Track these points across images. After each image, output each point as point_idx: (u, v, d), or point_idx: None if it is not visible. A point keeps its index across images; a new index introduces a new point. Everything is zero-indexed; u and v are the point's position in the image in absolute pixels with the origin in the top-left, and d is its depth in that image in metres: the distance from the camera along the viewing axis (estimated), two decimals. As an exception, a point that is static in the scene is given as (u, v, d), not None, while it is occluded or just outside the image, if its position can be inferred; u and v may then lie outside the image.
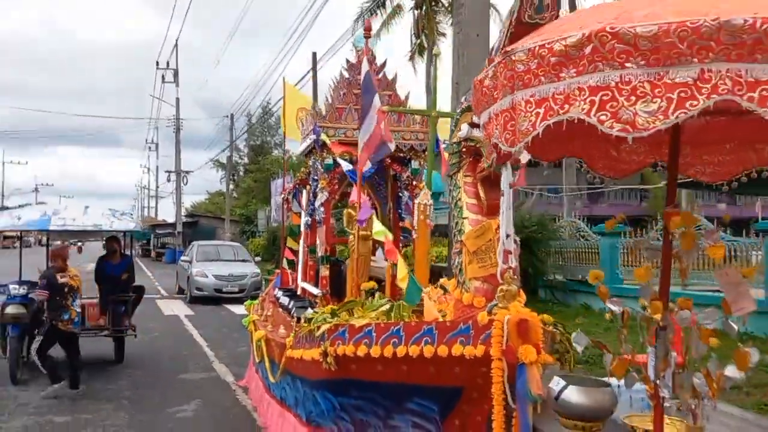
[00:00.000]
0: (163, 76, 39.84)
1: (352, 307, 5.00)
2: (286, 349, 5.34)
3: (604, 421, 3.42)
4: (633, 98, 1.94)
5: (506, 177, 4.02)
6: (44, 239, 11.13)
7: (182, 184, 38.75)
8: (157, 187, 65.86)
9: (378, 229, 5.35)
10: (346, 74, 7.06)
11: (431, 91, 8.47)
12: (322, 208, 6.82)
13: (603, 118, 1.98)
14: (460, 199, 4.36)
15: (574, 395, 3.31)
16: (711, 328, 2.74)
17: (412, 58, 26.16)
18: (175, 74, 39.21)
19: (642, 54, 1.94)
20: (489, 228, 4.13)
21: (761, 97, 1.85)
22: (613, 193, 26.44)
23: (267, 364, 6.25)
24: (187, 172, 40.56)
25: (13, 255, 11.35)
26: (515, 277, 4.00)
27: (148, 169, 69.98)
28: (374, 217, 5.75)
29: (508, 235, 3.96)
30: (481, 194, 4.28)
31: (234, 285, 18.10)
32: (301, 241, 7.85)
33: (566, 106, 2.06)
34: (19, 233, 10.74)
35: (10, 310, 8.25)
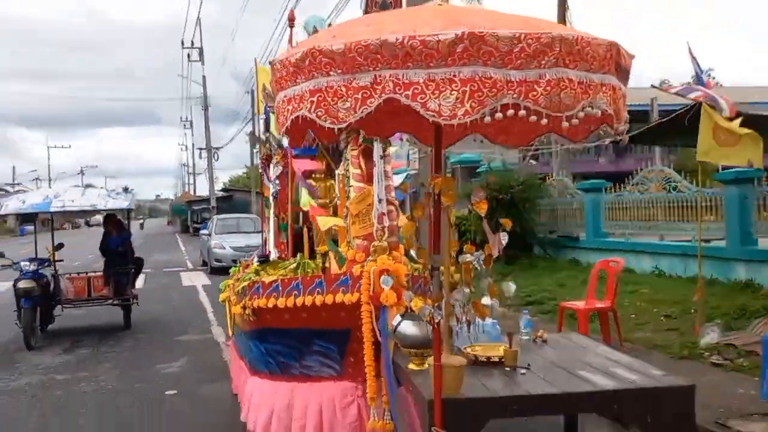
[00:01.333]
0: (188, 55, 40.94)
1: (273, 267, 5.76)
2: (232, 306, 6.15)
3: (429, 348, 4.14)
4: (336, 98, 2.61)
5: (377, 149, 4.71)
6: (92, 220, 12.21)
7: (214, 160, 39.97)
8: (194, 163, 67.70)
9: (303, 199, 6.09)
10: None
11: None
12: (277, 181, 7.56)
13: (319, 113, 2.65)
14: (347, 170, 5.04)
15: (406, 328, 4.00)
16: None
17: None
18: (200, 53, 40.23)
19: (339, 65, 2.61)
20: (369, 194, 4.81)
21: (413, 94, 2.50)
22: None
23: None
24: (218, 149, 41.75)
25: (67, 235, 12.35)
26: (390, 234, 4.73)
27: (186, 146, 71.83)
28: (301, 187, 6.46)
29: (380, 200, 4.67)
30: (362, 164, 4.95)
31: (250, 255, 19.02)
32: (271, 212, 8.63)
33: (300, 105, 2.73)
34: (50, 216, 11.79)
35: (22, 284, 9.27)
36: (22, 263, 9.63)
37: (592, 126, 3.20)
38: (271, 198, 8.68)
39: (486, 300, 3.41)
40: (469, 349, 4.18)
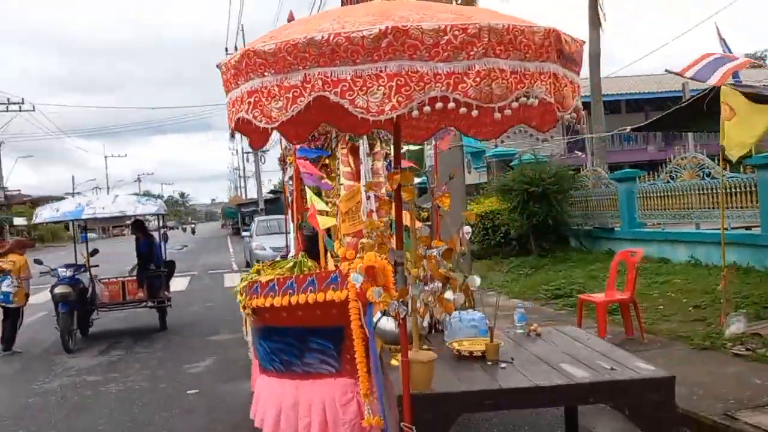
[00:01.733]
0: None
1: (272, 267, 5.83)
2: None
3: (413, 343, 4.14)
4: (269, 98, 2.65)
5: (363, 147, 4.73)
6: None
7: (261, 163, 40.65)
8: (243, 167, 68.77)
9: (308, 196, 6.14)
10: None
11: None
12: (290, 181, 7.64)
13: (255, 114, 2.69)
14: (338, 168, 5.08)
15: (385, 324, 4.01)
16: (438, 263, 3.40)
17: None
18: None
19: (271, 66, 2.64)
20: (358, 191, 4.84)
21: (342, 91, 2.52)
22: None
23: (246, 321, 7.21)
24: (265, 151, 42.37)
25: (123, 242, 12.83)
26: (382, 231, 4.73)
27: (236, 150, 73.15)
28: (308, 188, 6.51)
29: (368, 197, 4.69)
30: (351, 163, 4.98)
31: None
32: (289, 212, 8.73)
33: (240, 107, 2.78)
34: (84, 223, 12.25)
35: (59, 290, 9.61)
36: (60, 269, 9.98)
37: (550, 116, 3.15)
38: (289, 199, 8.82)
39: (449, 294, 3.39)
40: (455, 344, 4.17)
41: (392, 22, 2.48)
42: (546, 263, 13.15)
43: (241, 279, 8.49)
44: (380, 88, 2.48)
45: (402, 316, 3.32)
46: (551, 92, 2.65)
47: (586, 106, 20.11)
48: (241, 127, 3.03)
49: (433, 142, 7.04)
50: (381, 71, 2.48)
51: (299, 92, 2.57)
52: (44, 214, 10.04)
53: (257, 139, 3.39)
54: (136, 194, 10.06)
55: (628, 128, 11.22)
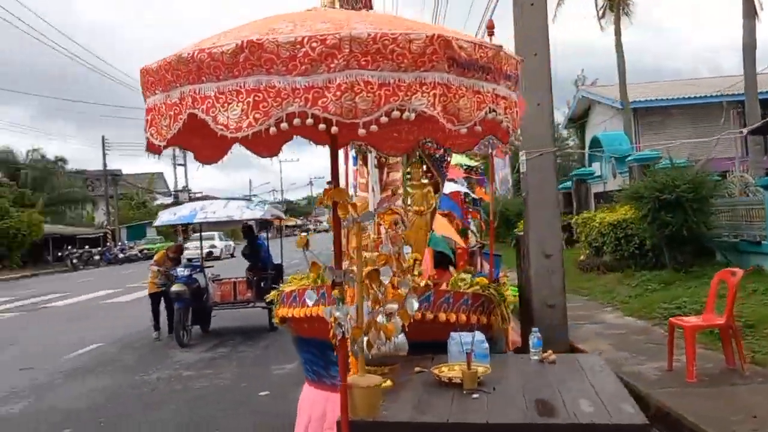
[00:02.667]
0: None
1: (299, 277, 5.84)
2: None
3: (393, 365, 3.92)
4: (159, 116, 2.64)
5: (371, 158, 4.62)
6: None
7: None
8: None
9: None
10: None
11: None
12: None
13: (152, 132, 2.69)
14: (355, 179, 4.99)
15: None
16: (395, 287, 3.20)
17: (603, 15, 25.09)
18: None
19: (159, 84, 2.63)
20: (368, 203, 4.72)
21: (207, 108, 2.45)
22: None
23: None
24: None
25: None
26: (392, 245, 4.59)
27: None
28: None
29: (375, 210, 4.56)
30: (366, 174, 4.86)
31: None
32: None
33: (145, 124, 2.80)
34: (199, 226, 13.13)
35: (175, 288, 10.34)
36: (178, 269, 10.73)
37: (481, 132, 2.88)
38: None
39: (380, 318, 3.19)
40: (439, 369, 3.93)
41: (247, 36, 2.38)
42: (679, 278, 12.03)
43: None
44: (239, 104, 2.39)
45: (339, 337, 3.18)
46: (436, 104, 2.41)
47: (741, 103, 18.29)
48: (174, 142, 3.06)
49: (490, 151, 6.72)
50: (240, 87, 2.39)
51: (178, 110, 2.55)
52: (163, 218, 10.85)
53: (205, 155, 3.39)
54: (247, 199, 10.60)
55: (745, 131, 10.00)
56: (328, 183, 3.14)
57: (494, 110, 2.63)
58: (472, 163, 9.49)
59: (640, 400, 6.20)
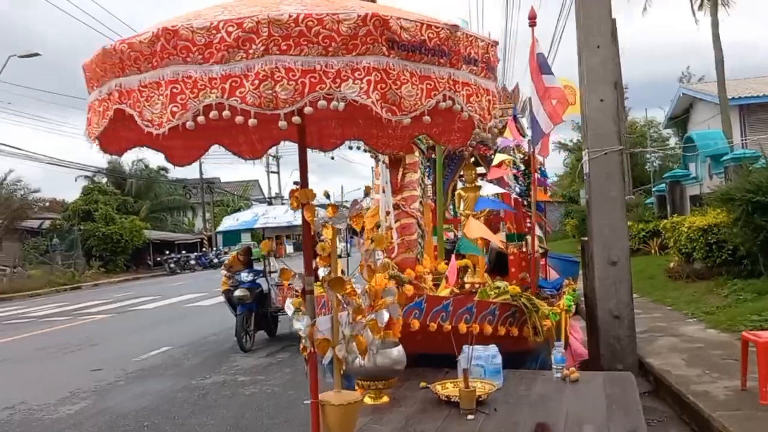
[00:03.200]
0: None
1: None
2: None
3: (389, 380, 3.62)
4: (94, 114, 2.50)
5: (381, 158, 4.37)
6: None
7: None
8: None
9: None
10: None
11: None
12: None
13: (90, 129, 2.56)
14: (372, 181, 4.73)
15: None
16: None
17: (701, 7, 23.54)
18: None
19: (91, 79, 2.49)
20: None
21: (133, 103, 2.28)
22: None
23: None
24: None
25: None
26: (407, 250, 4.33)
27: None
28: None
29: (388, 212, 4.31)
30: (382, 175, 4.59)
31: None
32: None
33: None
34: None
35: (238, 293, 10.41)
36: (242, 274, 10.80)
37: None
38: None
39: (348, 330, 2.93)
40: (443, 385, 3.62)
41: (168, 23, 2.19)
42: (772, 288, 11.05)
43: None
44: (160, 97, 2.21)
45: (308, 351, 2.95)
46: (371, 92, 2.14)
47: None
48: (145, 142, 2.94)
49: (532, 149, 6.29)
50: (160, 78, 2.21)
51: (106, 105, 2.41)
52: (226, 223, 10.96)
53: (179, 157, 3.25)
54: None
55: None
56: (296, 183, 2.92)
57: (451, 98, 2.33)
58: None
59: (702, 422, 5.63)
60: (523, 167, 8.10)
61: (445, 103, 2.31)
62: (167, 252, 39.56)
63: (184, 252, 40.60)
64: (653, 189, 25.23)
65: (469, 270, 7.46)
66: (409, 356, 4.26)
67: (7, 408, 7.79)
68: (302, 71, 2.11)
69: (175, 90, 2.18)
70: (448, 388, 3.57)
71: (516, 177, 7.65)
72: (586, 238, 8.26)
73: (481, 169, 7.72)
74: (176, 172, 51.71)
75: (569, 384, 3.76)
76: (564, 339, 6.76)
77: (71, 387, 8.68)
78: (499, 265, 7.46)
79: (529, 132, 7.84)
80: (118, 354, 11.04)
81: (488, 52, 2.53)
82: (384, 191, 4.28)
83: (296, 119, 2.30)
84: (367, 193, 3.36)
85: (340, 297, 2.85)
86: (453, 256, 5.27)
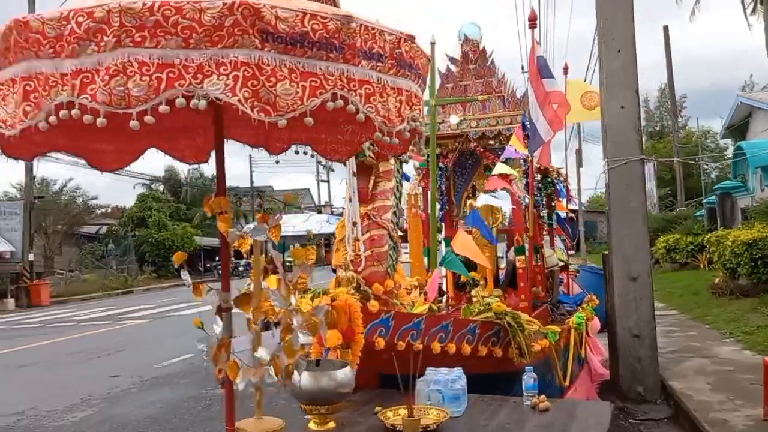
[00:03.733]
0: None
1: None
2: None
3: (335, 404, 3.34)
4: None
5: (350, 165, 4.14)
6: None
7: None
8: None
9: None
10: (452, 68, 7.25)
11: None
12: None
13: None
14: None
15: (302, 377, 3.34)
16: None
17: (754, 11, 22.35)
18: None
19: None
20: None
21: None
22: None
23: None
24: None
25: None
26: (377, 263, 4.09)
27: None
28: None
29: (354, 223, 4.07)
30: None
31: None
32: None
33: None
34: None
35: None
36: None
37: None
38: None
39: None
40: (395, 411, 3.34)
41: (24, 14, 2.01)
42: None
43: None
44: (14, 95, 2.03)
45: (222, 374, 2.73)
46: (239, 89, 1.91)
47: None
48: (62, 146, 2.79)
49: (529, 158, 5.95)
50: (16, 75, 2.03)
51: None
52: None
53: (108, 162, 3.07)
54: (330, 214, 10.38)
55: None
56: (207, 192, 2.71)
57: (344, 97, 2.08)
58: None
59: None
60: (539, 177, 7.74)
61: (335, 103, 2.06)
62: (216, 258, 40.09)
63: (232, 259, 41.12)
64: (704, 201, 24.20)
65: (481, 284, 7.15)
66: (375, 377, 4.01)
67: (16, 413, 7.82)
68: (158, 65, 1.89)
69: (28, 87, 2.00)
70: (400, 415, 3.29)
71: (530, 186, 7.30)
72: (608, 252, 7.83)
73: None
74: (229, 180, 52.39)
75: (537, 414, 3.43)
76: (572, 358, 6.39)
77: (84, 393, 8.68)
78: (516, 279, 7.12)
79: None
80: (141, 360, 11.07)
81: (400, 46, 2.27)
82: (351, 200, 4.03)
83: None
84: (286, 203, 3.14)
85: (248, 316, 2.62)
86: (435, 270, 4.98)
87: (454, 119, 6.80)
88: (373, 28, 2.16)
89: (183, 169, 47.09)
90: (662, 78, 33.53)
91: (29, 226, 26.36)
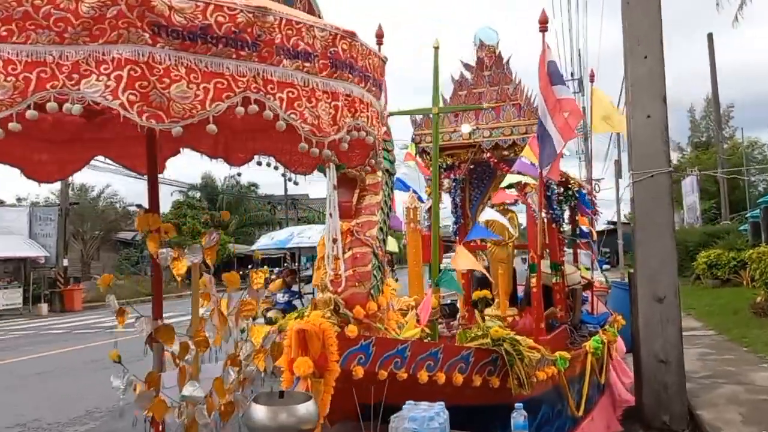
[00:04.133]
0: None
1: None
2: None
3: None
4: None
5: (330, 177, 3.83)
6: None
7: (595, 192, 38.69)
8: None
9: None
10: (467, 75, 6.92)
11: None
12: (426, 215, 6.76)
13: None
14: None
15: (256, 411, 3.02)
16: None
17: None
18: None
19: None
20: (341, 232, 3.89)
21: None
22: None
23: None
24: (599, 180, 40.49)
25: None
26: (359, 284, 3.78)
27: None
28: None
29: (335, 240, 3.76)
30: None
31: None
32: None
33: None
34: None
35: (270, 314, 10.05)
36: (278, 295, 10.44)
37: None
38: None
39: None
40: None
41: None
42: None
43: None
44: None
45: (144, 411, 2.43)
46: (122, 92, 1.62)
47: None
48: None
49: (540, 171, 5.55)
50: None
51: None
52: (261, 242, 10.65)
53: (43, 172, 2.81)
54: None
55: None
56: (139, 206, 2.43)
57: (259, 102, 1.77)
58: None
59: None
60: (561, 190, 7.33)
61: (247, 108, 1.75)
62: (249, 266, 40.20)
63: (266, 266, 41.11)
64: (748, 215, 23.23)
65: (497, 301, 6.76)
66: (353, 409, 3.68)
67: (18, 425, 7.68)
68: (27, 64, 1.61)
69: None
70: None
71: (550, 200, 6.89)
72: (633, 271, 7.37)
73: (511, 191, 6.98)
74: (264, 188, 52.66)
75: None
76: (587, 384, 5.95)
77: (91, 406, 8.51)
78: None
79: (566, 152, 7.09)
80: (152, 372, 10.88)
81: (335, 44, 1.95)
82: (331, 215, 3.71)
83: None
84: (221, 219, 2.83)
85: (170, 349, 2.33)
86: (429, 290, 4.63)
87: (466, 128, 6.44)
88: (299, 23, 1.85)
89: (220, 176, 47.46)
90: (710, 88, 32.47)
91: (64, 232, 26.68)
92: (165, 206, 44.02)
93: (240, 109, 1.73)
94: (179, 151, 3.11)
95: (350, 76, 2.01)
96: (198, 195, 45.62)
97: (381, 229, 3.91)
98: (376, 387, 3.61)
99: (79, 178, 34.62)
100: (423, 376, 3.77)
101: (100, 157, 2.95)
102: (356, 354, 3.55)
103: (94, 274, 35.59)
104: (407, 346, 3.72)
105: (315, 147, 1.88)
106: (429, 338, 4.56)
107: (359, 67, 2.05)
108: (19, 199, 38.85)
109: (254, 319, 3.03)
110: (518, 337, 4.33)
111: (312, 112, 1.87)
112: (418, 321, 4.25)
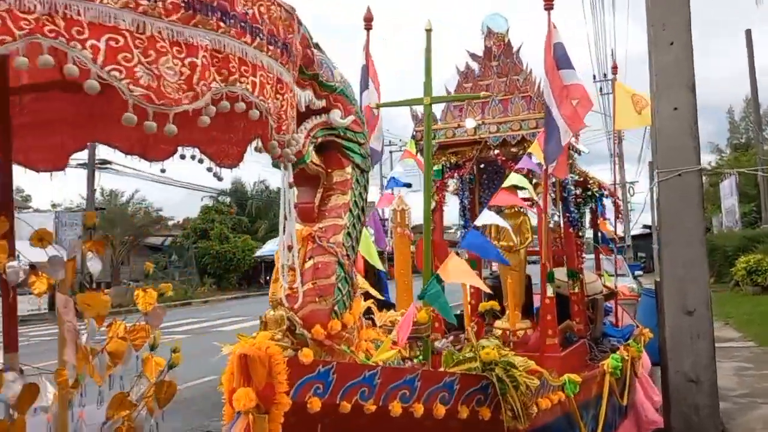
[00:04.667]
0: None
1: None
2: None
3: None
4: None
5: (285, 175, 3.27)
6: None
7: (629, 194, 37.68)
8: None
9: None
10: (473, 65, 6.34)
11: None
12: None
13: None
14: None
15: None
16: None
17: None
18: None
19: None
20: (298, 237, 3.35)
21: None
22: None
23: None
24: (633, 183, 39.61)
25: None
26: (320, 299, 3.23)
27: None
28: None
29: (290, 248, 3.20)
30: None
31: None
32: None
33: None
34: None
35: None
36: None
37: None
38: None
39: None
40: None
41: None
42: None
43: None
44: None
45: None
46: None
47: None
48: None
49: (544, 169, 4.93)
50: None
51: None
52: (267, 247, 10.22)
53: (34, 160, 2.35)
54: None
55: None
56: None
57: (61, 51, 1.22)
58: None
59: None
60: (579, 190, 6.70)
61: (38, 59, 1.20)
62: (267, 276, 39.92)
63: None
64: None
65: (508, 313, 6.15)
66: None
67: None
68: None
69: None
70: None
71: (566, 201, 6.26)
72: (659, 279, 6.69)
73: (524, 193, 6.33)
74: (296, 193, 52.37)
75: None
76: (604, 408, 5.32)
77: (91, 420, 8.08)
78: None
79: (581, 148, 6.46)
80: (161, 381, 10.47)
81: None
82: (286, 219, 3.16)
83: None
84: (91, 226, 2.32)
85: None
86: (412, 305, 4.05)
87: (470, 123, 5.85)
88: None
89: (249, 181, 47.35)
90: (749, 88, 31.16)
91: (90, 237, 26.63)
92: (194, 211, 44.04)
93: (22, 60, 1.19)
94: (86, 146, 2.60)
95: (222, 24, 1.46)
96: (228, 200, 45.54)
97: (349, 234, 3.35)
98: (338, 422, 3.05)
99: (111, 183, 34.72)
100: (396, 407, 3.19)
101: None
102: (312, 383, 3.00)
103: (123, 279, 35.66)
104: (376, 373, 3.15)
105: (152, 119, 1.33)
106: (415, 360, 3.99)
107: (239, 13, 1.49)
108: (53, 205, 39.23)
109: (152, 348, 2.50)
110: (517, 359, 3.73)
111: (148, 69, 1.31)
112: (395, 341, 3.67)
